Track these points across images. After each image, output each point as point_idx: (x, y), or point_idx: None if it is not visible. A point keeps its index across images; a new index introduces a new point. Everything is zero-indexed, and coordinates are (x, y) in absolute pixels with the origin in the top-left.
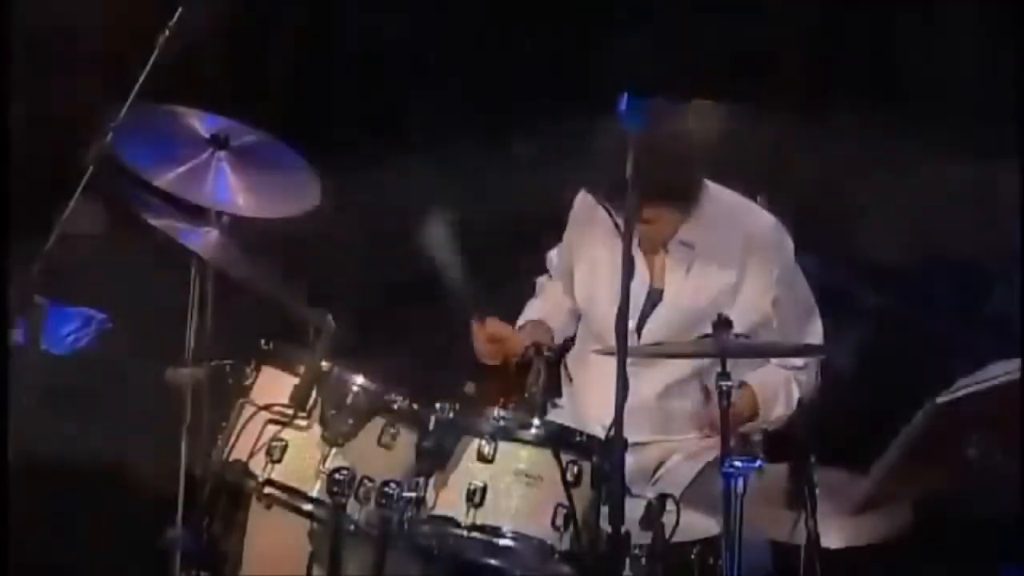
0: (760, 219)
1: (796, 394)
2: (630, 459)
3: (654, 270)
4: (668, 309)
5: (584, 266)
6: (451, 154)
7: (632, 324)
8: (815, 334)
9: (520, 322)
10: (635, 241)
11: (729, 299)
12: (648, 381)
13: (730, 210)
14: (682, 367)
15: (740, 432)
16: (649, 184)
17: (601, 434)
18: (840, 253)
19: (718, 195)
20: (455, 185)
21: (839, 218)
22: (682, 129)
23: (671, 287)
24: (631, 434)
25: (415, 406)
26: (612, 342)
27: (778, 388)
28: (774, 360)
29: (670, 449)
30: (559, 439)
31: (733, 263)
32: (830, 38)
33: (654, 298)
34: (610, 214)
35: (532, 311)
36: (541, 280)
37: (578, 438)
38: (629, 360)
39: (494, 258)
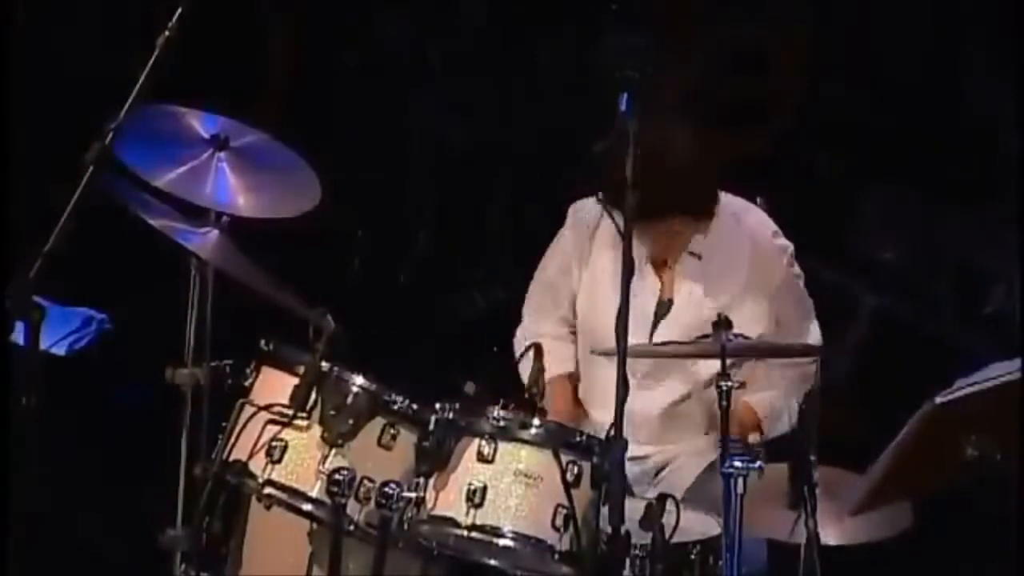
0: (763, 226)
1: (796, 408)
2: (632, 464)
3: (664, 282)
4: (676, 320)
5: (588, 274)
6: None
7: (645, 336)
8: (814, 336)
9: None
10: (645, 253)
11: (735, 308)
12: (652, 399)
13: (734, 217)
14: (685, 384)
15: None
16: (676, 197)
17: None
18: (840, 253)
19: (722, 202)
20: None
21: (839, 218)
22: (698, 140)
23: (679, 298)
24: (634, 448)
25: (415, 406)
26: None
27: (782, 407)
28: (776, 365)
29: (673, 454)
30: (559, 439)
31: (739, 273)
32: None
33: (664, 310)
34: (613, 220)
35: (552, 364)
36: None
37: (578, 438)
38: (636, 375)
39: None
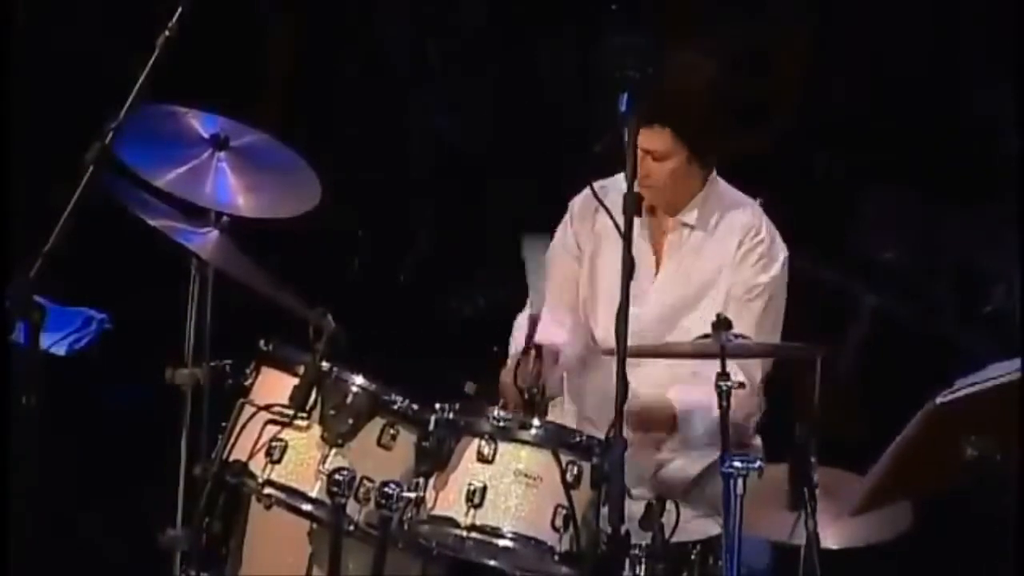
0: (759, 222)
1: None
2: (629, 464)
3: (660, 258)
4: (658, 292)
5: (585, 267)
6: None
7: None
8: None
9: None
10: (647, 232)
11: (712, 289)
12: (644, 379)
13: (732, 205)
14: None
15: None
16: (655, 103)
17: (600, 435)
18: (840, 253)
19: (724, 190)
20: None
21: (839, 218)
22: (695, 64)
23: (665, 269)
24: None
25: (415, 406)
26: (612, 343)
27: (699, 411)
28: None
29: (671, 455)
30: (559, 440)
31: (725, 255)
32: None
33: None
34: (611, 215)
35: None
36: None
37: (578, 439)
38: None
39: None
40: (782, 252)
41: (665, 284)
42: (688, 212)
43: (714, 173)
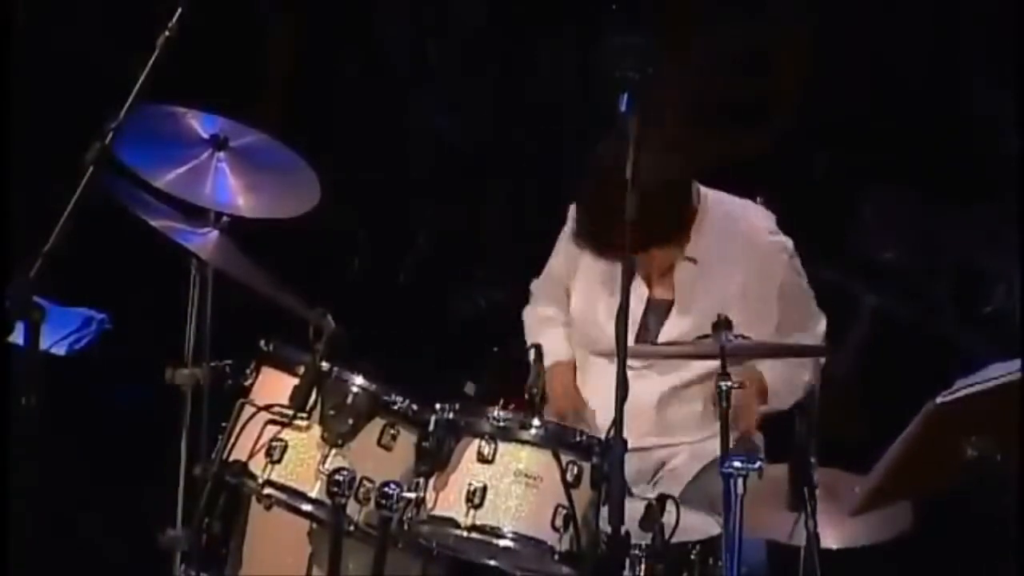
0: (759, 225)
1: (805, 382)
2: (631, 462)
3: (652, 282)
4: (679, 320)
5: (581, 274)
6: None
7: (632, 335)
8: (820, 329)
9: (548, 363)
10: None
11: (735, 309)
12: (649, 387)
13: (727, 216)
14: (684, 373)
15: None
16: (642, 234)
17: (601, 435)
18: (840, 253)
19: (715, 202)
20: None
21: (839, 218)
22: (662, 174)
23: (681, 299)
24: (632, 440)
25: (415, 406)
26: (610, 347)
27: (787, 380)
28: None
29: (671, 452)
30: (559, 440)
31: (736, 270)
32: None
33: (656, 309)
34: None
35: (555, 351)
36: (542, 313)
37: (578, 438)
38: (631, 364)
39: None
40: (786, 243)
41: (683, 313)
42: (688, 248)
43: (696, 188)
